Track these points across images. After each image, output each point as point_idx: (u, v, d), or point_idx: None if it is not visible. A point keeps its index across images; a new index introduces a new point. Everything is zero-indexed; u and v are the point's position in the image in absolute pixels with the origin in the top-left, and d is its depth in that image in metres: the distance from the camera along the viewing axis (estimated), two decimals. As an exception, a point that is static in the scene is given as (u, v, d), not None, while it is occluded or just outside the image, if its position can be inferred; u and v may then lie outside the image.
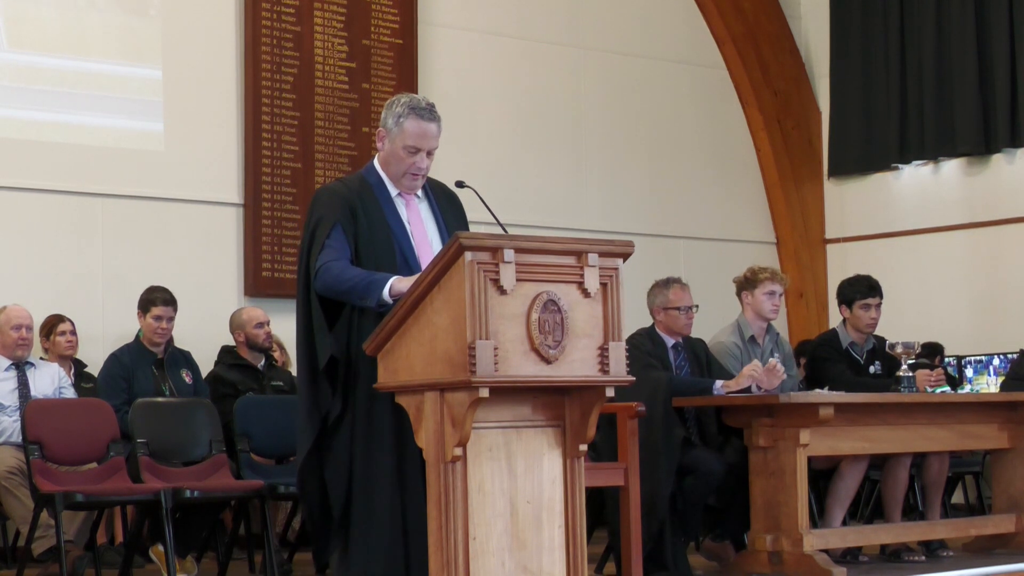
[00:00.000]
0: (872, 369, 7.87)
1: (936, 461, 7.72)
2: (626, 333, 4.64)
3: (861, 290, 7.88)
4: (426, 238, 4.91)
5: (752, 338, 7.51)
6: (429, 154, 4.91)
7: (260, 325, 8.54)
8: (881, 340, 7.91)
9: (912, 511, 8.29)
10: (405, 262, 4.82)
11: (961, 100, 11.46)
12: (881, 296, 7.92)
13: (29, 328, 7.80)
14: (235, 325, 8.65)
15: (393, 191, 4.94)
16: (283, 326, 8.34)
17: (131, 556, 7.01)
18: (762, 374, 6.92)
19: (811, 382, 7.85)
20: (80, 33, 9.16)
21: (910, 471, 7.66)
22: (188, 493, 6.77)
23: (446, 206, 5.02)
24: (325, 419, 4.82)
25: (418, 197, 4.98)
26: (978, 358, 10.86)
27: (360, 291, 4.70)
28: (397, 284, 4.61)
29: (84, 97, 9.13)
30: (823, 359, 7.89)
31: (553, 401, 4.55)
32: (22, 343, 7.71)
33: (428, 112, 4.88)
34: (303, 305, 4.88)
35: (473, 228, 4.82)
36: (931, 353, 10.34)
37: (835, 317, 11.23)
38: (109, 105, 9.21)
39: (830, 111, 12.36)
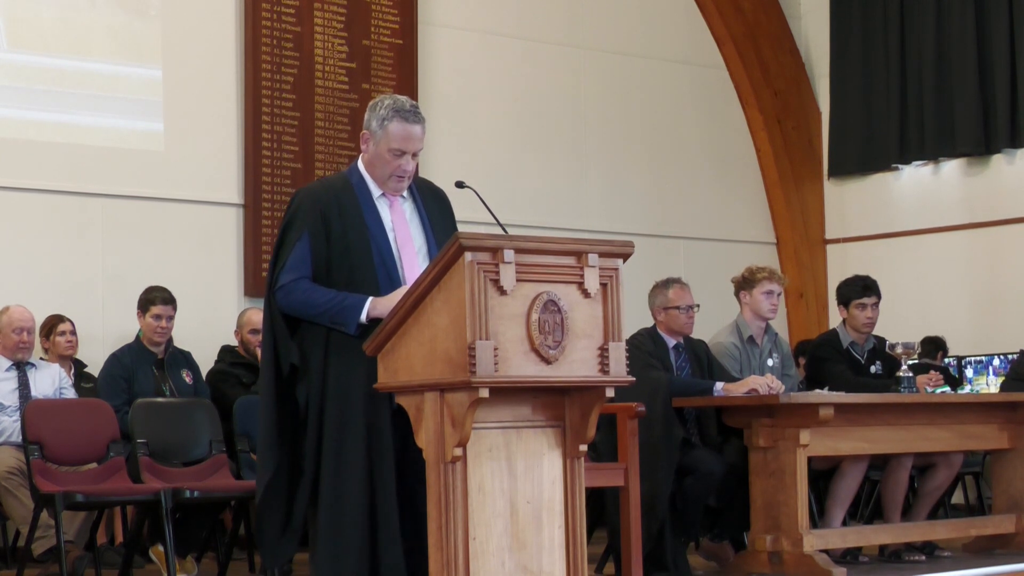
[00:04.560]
0: (873, 369, 7.87)
1: (944, 471, 7.70)
2: (626, 333, 4.64)
3: (856, 290, 7.90)
4: (409, 239, 4.87)
5: (751, 338, 7.51)
6: (414, 156, 4.87)
7: (255, 332, 8.51)
8: (881, 340, 7.92)
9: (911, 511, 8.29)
10: (383, 263, 4.80)
11: (961, 100, 11.46)
12: (878, 296, 7.92)
13: (30, 331, 7.79)
14: (238, 324, 8.66)
15: (376, 192, 4.90)
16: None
17: (131, 556, 7.02)
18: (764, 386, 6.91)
19: (811, 382, 7.85)
20: (80, 33, 9.16)
21: (911, 474, 7.66)
22: (188, 493, 6.77)
23: (432, 205, 4.99)
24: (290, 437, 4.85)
25: (403, 197, 4.94)
26: (978, 358, 10.86)
27: (332, 316, 4.73)
28: (375, 309, 4.63)
29: (84, 97, 9.13)
30: (823, 359, 7.90)
31: (553, 401, 4.55)
32: (23, 346, 7.71)
33: (412, 114, 4.85)
34: (266, 312, 4.91)
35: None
36: (933, 347, 10.33)
37: (835, 317, 11.22)
38: (109, 105, 9.21)
39: (830, 111, 12.36)
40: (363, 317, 4.67)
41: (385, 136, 4.83)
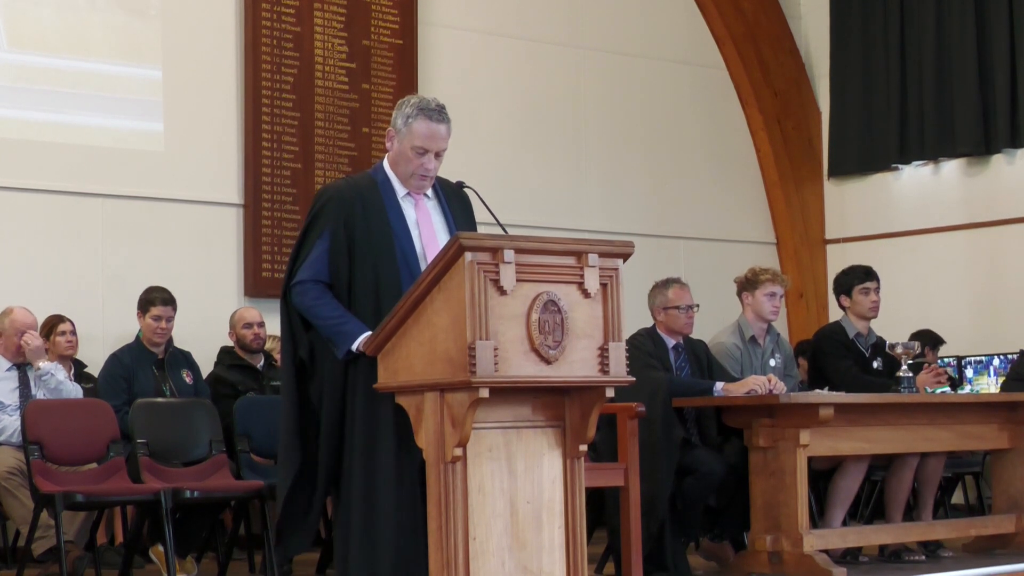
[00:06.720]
0: (876, 364, 7.84)
1: (933, 459, 7.71)
2: (626, 333, 4.64)
3: (858, 276, 7.92)
4: (434, 237, 4.90)
5: (752, 339, 7.51)
6: (438, 155, 4.91)
7: (248, 326, 8.53)
8: (881, 340, 7.91)
9: (912, 511, 8.29)
10: (406, 263, 4.83)
11: (961, 100, 11.46)
12: (878, 281, 7.93)
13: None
14: (230, 325, 8.67)
15: (401, 191, 4.94)
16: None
17: (131, 556, 7.02)
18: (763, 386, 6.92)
19: (814, 378, 7.83)
20: (80, 33, 9.16)
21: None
22: (188, 493, 6.77)
23: (456, 205, 5.03)
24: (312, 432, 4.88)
25: (427, 197, 4.98)
26: (978, 358, 10.85)
27: (328, 335, 4.78)
28: (367, 345, 4.63)
29: (84, 97, 9.13)
30: (826, 353, 7.87)
31: (553, 401, 4.56)
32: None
33: (437, 113, 4.89)
34: (283, 308, 4.96)
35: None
36: (923, 341, 10.32)
37: (835, 318, 11.22)
38: (109, 105, 9.21)
39: (830, 111, 12.36)
40: (355, 346, 4.69)
41: (409, 134, 4.86)
